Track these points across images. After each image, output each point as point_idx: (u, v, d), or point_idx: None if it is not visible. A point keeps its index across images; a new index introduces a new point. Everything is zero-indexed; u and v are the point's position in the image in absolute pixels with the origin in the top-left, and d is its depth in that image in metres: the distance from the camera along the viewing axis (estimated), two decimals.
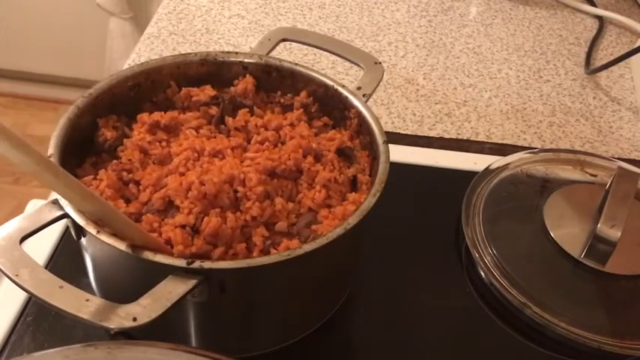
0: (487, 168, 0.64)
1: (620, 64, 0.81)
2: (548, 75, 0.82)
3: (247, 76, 0.56)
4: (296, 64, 0.56)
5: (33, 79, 1.95)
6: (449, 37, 0.87)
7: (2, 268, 0.39)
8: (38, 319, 0.51)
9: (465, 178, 0.62)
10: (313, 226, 0.46)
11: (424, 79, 0.80)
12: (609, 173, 0.62)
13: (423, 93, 0.78)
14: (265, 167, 0.48)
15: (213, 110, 0.54)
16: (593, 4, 0.94)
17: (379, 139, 0.50)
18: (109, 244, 0.40)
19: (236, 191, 0.46)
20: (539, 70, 0.83)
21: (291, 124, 0.53)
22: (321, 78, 0.55)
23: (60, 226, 0.56)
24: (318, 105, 0.55)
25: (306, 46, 0.69)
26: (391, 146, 0.49)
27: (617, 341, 0.51)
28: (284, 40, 0.61)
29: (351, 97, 0.53)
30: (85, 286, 0.47)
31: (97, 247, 0.45)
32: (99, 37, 1.68)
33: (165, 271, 0.40)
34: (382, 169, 0.47)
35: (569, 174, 0.64)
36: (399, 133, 0.72)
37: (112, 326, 0.37)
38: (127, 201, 0.47)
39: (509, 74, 0.82)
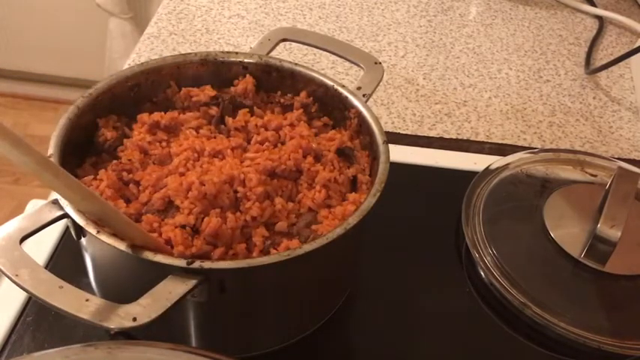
0: (487, 168, 0.64)
1: (620, 64, 0.81)
2: (548, 75, 0.82)
3: (247, 76, 0.56)
4: (296, 64, 0.56)
5: (33, 79, 1.95)
6: (449, 37, 0.87)
7: (2, 268, 0.39)
8: (38, 319, 0.51)
9: (465, 178, 0.62)
10: (313, 226, 0.46)
11: (424, 79, 0.80)
12: (609, 173, 0.62)
13: (422, 93, 0.78)
14: (265, 167, 0.48)
15: (213, 110, 0.54)
16: (593, 4, 0.94)
17: (379, 139, 0.50)
18: (109, 244, 0.40)
19: (236, 191, 0.46)
20: (539, 70, 0.83)
21: (291, 124, 0.53)
22: (321, 78, 0.55)
23: (60, 226, 0.56)
24: (318, 105, 0.55)
25: (306, 46, 0.69)
26: (391, 146, 0.49)
27: (617, 341, 0.51)
28: (284, 40, 0.61)
29: (351, 97, 0.53)
30: (85, 286, 0.47)
31: (97, 247, 0.45)
32: (99, 37, 1.68)
33: (165, 271, 0.40)
34: (382, 169, 0.47)
35: (569, 174, 0.64)
36: (399, 133, 0.72)
37: (111, 326, 0.37)
38: (127, 201, 0.47)
39: (509, 74, 0.82)
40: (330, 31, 0.86)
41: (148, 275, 0.40)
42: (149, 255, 0.40)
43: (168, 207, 0.46)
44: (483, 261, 0.55)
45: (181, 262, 0.40)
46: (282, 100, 0.56)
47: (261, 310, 0.47)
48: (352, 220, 0.43)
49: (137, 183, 0.48)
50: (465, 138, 0.72)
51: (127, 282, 0.46)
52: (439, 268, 0.58)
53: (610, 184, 0.60)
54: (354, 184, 0.51)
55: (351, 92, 0.54)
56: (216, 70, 0.56)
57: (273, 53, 0.59)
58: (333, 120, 0.55)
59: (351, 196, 0.49)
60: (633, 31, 0.90)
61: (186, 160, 0.48)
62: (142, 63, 0.54)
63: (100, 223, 0.41)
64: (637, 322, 0.54)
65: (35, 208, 0.43)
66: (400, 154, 0.62)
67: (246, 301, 0.46)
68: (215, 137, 0.52)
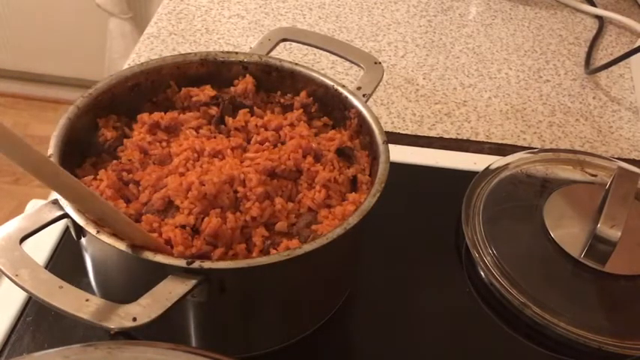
0: (487, 168, 0.64)
1: (620, 64, 0.81)
2: (548, 75, 0.82)
3: (247, 76, 0.56)
4: (296, 64, 0.56)
5: (33, 79, 1.95)
6: (449, 37, 0.87)
7: (2, 268, 0.39)
8: (38, 319, 0.51)
9: (465, 178, 0.62)
10: (313, 226, 0.46)
11: (424, 79, 0.80)
12: (609, 173, 0.62)
13: (422, 93, 0.78)
14: (265, 167, 0.48)
15: (213, 110, 0.54)
16: (593, 4, 0.94)
17: (379, 139, 0.50)
18: (109, 244, 0.40)
19: (236, 191, 0.46)
20: (539, 70, 0.83)
21: (291, 124, 0.53)
22: (321, 78, 0.55)
23: (60, 226, 0.56)
24: (318, 105, 0.55)
25: (306, 46, 0.69)
26: (391, 146, 0.49)
27: (617, 341, 0.51)
28: (284, 40, 0.61)
29: (351, 97, 0.53)
30: (85, 286, 0.47)
31: (97, 247, 0.45)
32: (99, 37, 1.68)
33: (165, 271, 0.40)
34: (382, 169, 0.47)
35: (569, 174, 0.64)
36: (399, 133, 0.72)
37: (111, 326, 0.37)
38: (127, 201, 0.47)
39: (509, 74, 0.82)
40: (330, 31, 0.86)
41: (148, 275, 0.40)
42: (149, 255, 0.40)
43: (168, 207, 0.46)
44: (483, 261, 0.55)
45: (181, 262, 0.40)
46: (282, 100, 0.56)
47: (261, 310, 0.47)
48: (352, 220, 0.43)
49: (137, 183, 0.48)
50: (464, 138, 0.72)
51: (127, 282, 0.46)
52: (439, 268, 0.58)
53: (610, 184, 0.60)
54: (354, 184, 0.51)
55: (351, 92, 0.54)
56: (216, 70, 0.56)
57: (273, 53, 0.59)
58: (333, 120, 0.55)
59: (351, 196, 0.49)
60: (633, 31, 0.90)
61: (186, 160, 0.48)
62: (142, 63, 0.54)
63: (100, 223, 0.41)
64: (637, 322, 0.54)
65: (35, 208, 0.43)
66: (400, 154, 0.62)
67: (246, 301, 0.46)
68: (215, 137, 0.52)
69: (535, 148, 0.69)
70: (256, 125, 0.53)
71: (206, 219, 0.44)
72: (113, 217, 0.40)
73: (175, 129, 0.53)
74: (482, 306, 0.55)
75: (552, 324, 0.51)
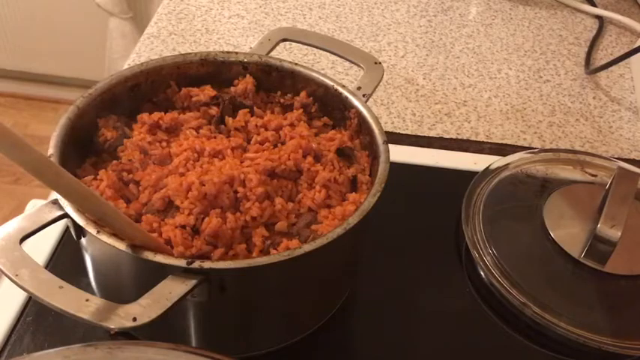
0: (487, 168, 0.64)
1: (620, 64, 0.81)
2: (548, 75, 0.82)
3: (247, 76, 0.56)
4: (296, 64, 0.56)
5: (33, 79, 1.95)
6: (449, 37, 0.87)
7: (2, 268, 0.39)
8: (38, 319, 0.51)
9: (465, 178, 0.62)
10: (313, 226, 0.46)
11: (424, 79, 0.80)
12: (609, 173, 0.62)
13: (422, 93, 0.78)
14: (265, 167, 0.48)
15: (213, 110, 0.54)
16: (593, 4, 0.94)
17: (379, 139, 0.50)
18: (109, 244, 0.40)
19: (236, 192, 0.46)
20: (539, 70, 0.83)
21: (291, 124, 0.53)
22: (321, 78, 0.55)
23: (60, 226, 0.56)
24: (318, 105, 0.55)
25: (306, 46, 0.69)
26: (391, 146, 0.49)
27: (617, 341, 0.51)
28: (284, 40, 0.61)
29: (351, 97, 0.53)
30: (85, 286, 0.47)
31: (97, 247, 0.45)
32: (99, 37, 1.68)
33: (165, 271, 0.40)
34: (382, 169, 0.47)
35: (569, 174, 0.64)
36: (399, 133, 0.72)
37: (111, 326, 0.37)
38: (127, 201, 0.47)
39: (509, 74, 0.82)
40: (330, 31, 0.86)
41: (148, 275, 0.40)
42: (149, 255, 0.40)
43: (168, 207, 0.46)
44: (483, 261, 0.55)
45: (181, 262, 0.40)
46: (282, 100, 0.56)
47: (261, 310, 0.47)
48: (352, 220, 0.43)
49: (137, 183, 0.48)
50: (464, 138, 0.72)
51: (127, 282, 0.46)
52: (439, 268, 0.58)
53: (610, 184, 0.60)
54: (354, 184, 0.51)
55: (351, 92, 0.54)
56: (216, 70, 0.56)
57: (273, 53, 0.59)
58: (333, 120, 0.55)
59: (351, 196, 0.49)
60: (633, 31, 0.90)
61: (186, 160, 0.48)
62: (142, 63, 0.54)
63: (100, 223, 0.41)
64: (637, 322, 0.54)
65: (35, 208, 0.43)
66: (400, 154, 0.62)
67: (246, 301, 0.46)
68: (215, 137, 0.52)
69: (535, 148, 0.69)
70: (256, 125, 0.53)
71: (206, 219, 0.44)
72: (113, 217, 0.40)
73: (175, 129, 0.53)
74: (483, 306, 0.55)
75: (552, 324, 0.51)
